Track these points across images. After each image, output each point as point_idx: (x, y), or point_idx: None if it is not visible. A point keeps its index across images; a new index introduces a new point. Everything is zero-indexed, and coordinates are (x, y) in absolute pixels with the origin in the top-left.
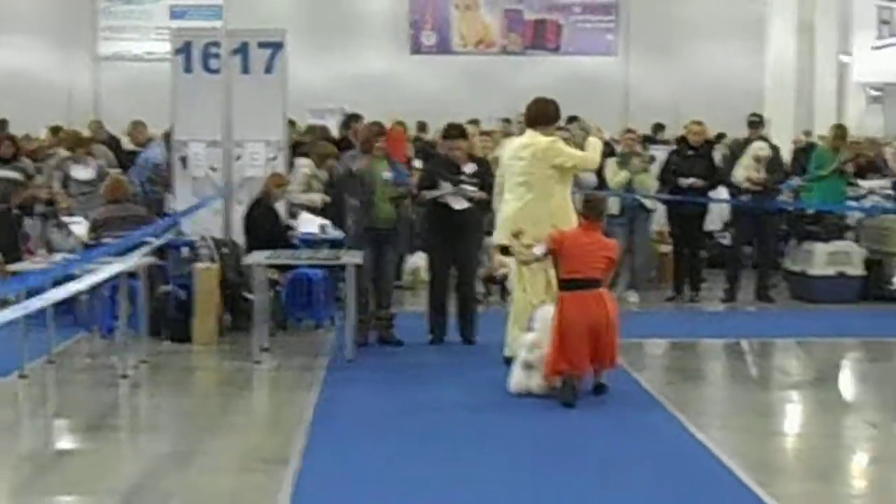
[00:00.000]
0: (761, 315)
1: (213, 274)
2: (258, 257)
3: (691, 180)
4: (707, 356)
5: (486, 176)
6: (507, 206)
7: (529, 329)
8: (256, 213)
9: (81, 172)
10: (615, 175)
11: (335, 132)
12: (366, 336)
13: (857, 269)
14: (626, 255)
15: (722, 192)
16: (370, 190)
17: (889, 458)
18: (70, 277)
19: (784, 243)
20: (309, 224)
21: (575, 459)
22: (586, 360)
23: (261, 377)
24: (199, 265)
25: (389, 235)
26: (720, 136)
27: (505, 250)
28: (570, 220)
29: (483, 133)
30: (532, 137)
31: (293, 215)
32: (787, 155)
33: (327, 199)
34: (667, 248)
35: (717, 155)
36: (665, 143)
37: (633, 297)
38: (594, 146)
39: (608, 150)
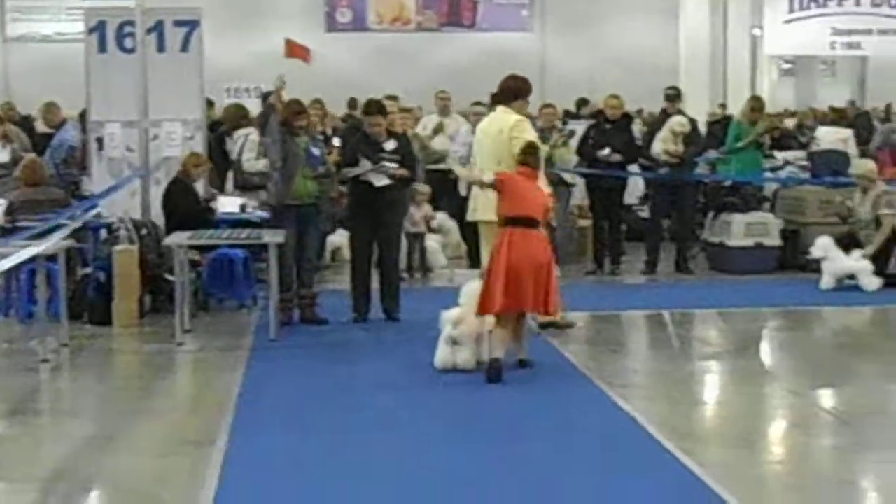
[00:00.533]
0: (681, 286)
1: (133, 256)
2: (178, 238)
3: (607, 150)
4: (629, 328)
5: (406, 152)
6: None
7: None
8: (175, 193)
9: None
10: None
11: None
12: (289, 315)
13: (774, 240)
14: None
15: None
16: (292, 167)
17: (808, 424)
18: None
19: (702, 215)
20: (229, 203)
21: (502, 433)
22: (530, 297)
23: (183, 359)
24: (118, 247)
25: (311, 213)
26: (640, 112)
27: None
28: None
29: (403, 110)
30: (502, 114)
31: (245, 187)
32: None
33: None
34: (586, 223)
35: (635, 128)
36: (588, 118)
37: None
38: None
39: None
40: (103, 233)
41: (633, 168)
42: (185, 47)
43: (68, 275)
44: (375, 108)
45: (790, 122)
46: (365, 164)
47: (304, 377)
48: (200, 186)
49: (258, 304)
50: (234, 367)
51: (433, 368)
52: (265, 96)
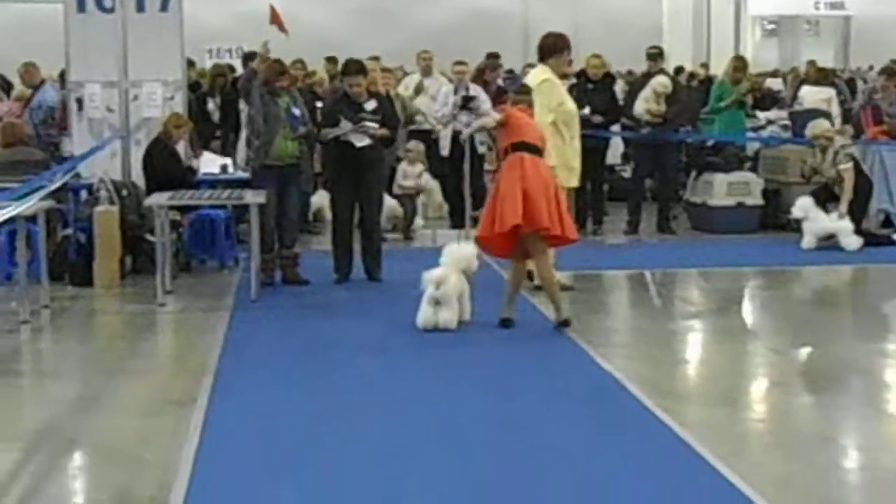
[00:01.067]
0: (663, 246)
1: (114, 217)
2: (159, 199)
3: (587, 110)
4: (611, 288)
5: (387, 112)
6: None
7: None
8: (155, 154)
9: None
10: None
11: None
12: (271, 276)
13: (755, 199)
14: None
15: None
16: (272, 128)
17: (789, 382)
18: None
19: (685, 175)
20: (210, 164)
21: (483, 392)
22: (545, 216)
23: (165, 320)
24: (99, 208)
25: (292, 173)
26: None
27: None
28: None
29: (384, 70)
30: (537, 71)
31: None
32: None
33: None
34: None
35: (617, 89)
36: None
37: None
38: None
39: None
40: (84, 194)
41: (615, 128)
42: (164, 7)
43: (49, 236)
44: (355, 67)
45: (773, 82)
46: (345, 125)
47: (285, 337)
48: (181, 147)
49: (240, 265)
50: (216, 327)
51: (416, 328)
52: (247, 57)
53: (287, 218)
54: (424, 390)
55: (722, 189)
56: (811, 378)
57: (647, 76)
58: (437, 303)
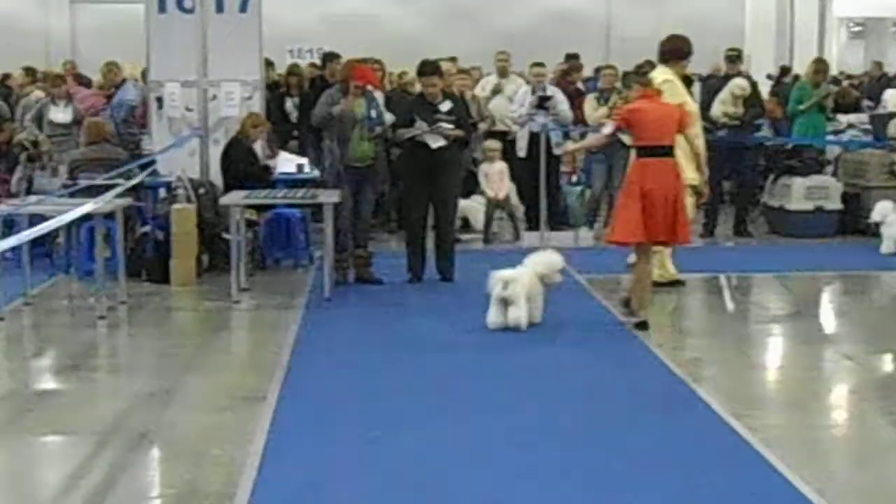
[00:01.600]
0: (740, 249)
1: (191, 214)
2: (235, 197)
3: None
4: (686, 291)
5: (461, 113)
6: None
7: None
8: (233, 153)
9: (59, 115)
10: (594, 111)
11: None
12: (344, 275)
13: (834, 204)
14: (605, 192)
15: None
16: (348, 128)
17: (864, 390)
18: (45, 219)
19: (763, 178)
20: (286, 163)
21: (557, 393)
22: (661, 229)
23: (239, 317)
24: (177, 206)
25: (367, 174)
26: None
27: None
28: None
29: (461, 71)
30: (657, 73)
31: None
32: (766, 91)
33: None
34: None
35: (695, 91)
36: None
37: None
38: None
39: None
40: (162, 192)
41: None
42: (244, 7)
43: (127, 233)
44: (430, 68)
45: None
46: (421, 126)
47: (356, 336)
48: (259, 147)
49: (314, 264)
50: (289, 324)
51: (486, 329)
52: (326, 57)
53: (361, 218)
54: (494, 391)
55: (800, 193)
56: (888, 386)
57: (726, 78)
58: (504, 302)
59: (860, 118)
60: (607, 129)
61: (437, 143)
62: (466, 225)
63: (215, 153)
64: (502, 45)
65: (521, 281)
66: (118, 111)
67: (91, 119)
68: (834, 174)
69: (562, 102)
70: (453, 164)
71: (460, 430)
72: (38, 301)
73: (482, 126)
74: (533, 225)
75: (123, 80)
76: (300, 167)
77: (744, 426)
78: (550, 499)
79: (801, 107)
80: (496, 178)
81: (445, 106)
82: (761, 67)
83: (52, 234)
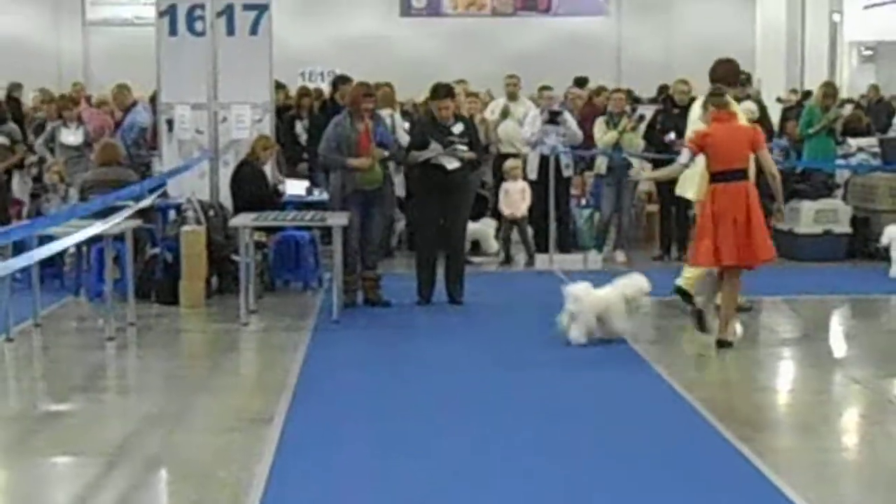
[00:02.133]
0: (748, 273)
1: (200, 237)
2: (244, 219)
3: (672, 135)
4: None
5: (473, 135)
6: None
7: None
8: (243, 175)
9: (70, 137)
10: (604, 134)
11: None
12: (353, 297)
13: (843, 227)
14: (614, 215)
15: None
16: (356, 152)
17: (873, 414)
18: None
19: (771, 201)
20: (296, 186)
21: (563, 415)
22: (733, 253)
23: (248, 339)
24: (186, 228)
25: (376, 197)
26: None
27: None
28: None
29: (469, 94)
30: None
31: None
32: (776, 114)
33: None
34: (653, 208)
35: None
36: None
37: (620, 256)
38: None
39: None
40: (171, 213)
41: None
42: (254, 30)
43: (137, 255)
44: (444, 91)
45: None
46: (436, 148)
47: (364, 357)
48: (268, 169)
49: (323, 286)
50: (297, 346)
51: (494, 349)
52: (337, 80)
53: (369, 240)
54: (500, 415)
55: (809, 216)
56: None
57: (735, 101)
58: (573, 317)
59: (870, 142)
60: (684, 157)
61: (452, 164)
62: (476, 247)
63: (225, 175)
64: (512, 67)
65: (587, 299)
66: (129, 133)
67: (104, 140)
68: (843, 198)
69: (571, 120)
70: (466, 186)
71: (468, 452)
72: (48, 322)
73: (492, 150)
74: (542, 247)
75: (134, 102)
76: (309, 189)
77: (751, 450)
78: None
79: (811, 130)
80: (518, 196)
81: (458, 128)
82: (772, 91)
83: (61, 255)
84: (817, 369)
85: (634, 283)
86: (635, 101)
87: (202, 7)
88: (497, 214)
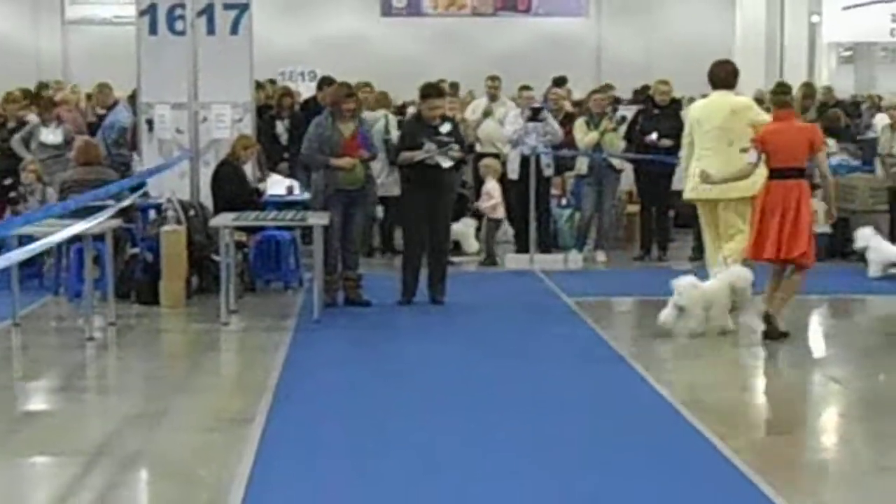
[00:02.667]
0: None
1: (180, 236)
2: (225, 219)
3: (654, 135)
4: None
5: (459, 135)
6: (707, 161)
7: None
8: (223, 175)
9: (50, 136)
10: (584, 135)
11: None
12: (333, 297)
13: (822, 227)
14: (595, 215)
15: None
16: (338, 153)
17: (851, 413)
18: (34, 240)
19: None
20: (276, 185)
21: (545, 415)
22: (774, 247)
23: (228, 338)
24: (166, 228)
25: (359, 197)
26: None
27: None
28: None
29: (449, 94)
30: (724, 97)
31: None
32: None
33: None
34: (634, 208)
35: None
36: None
37: (600, 256)
38: None
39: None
40: (152, 213)
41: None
42: (234, 30)
43: (117, 254)
44: (434, 91)
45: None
46: (431, 147)
47: (345, 357)
48: (249, 169)
49: (304, 286)
50: (278, 346)
51: (474, 346)
52: (322, 82)
53: (350, 240)
54: (482, 415)
55: None
56: (873, 409)
57: None
58: (680, 309)
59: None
60: (752, 157)
61: (447, 163)
62: (457, 247)
63: (206, 175)
64: (493, 67)
65: (695, 293)
66: (109, 133)
67: (83, 139)
68: (822, 198)
69: (552, 119)
70: (452, 185)
71: (449, 450)
72: (27, 322)
73: (477, 147)
74: (523, 247)
75: (115, 102)
76: (290, 189)
77: (729, 448)
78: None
79: None
80: (496, 195)
81: (445, 128)
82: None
83: (41, 255)
84: (797, 368)
85: (741, 275)
86: (616, 101)
87: (182, 6)
88: (477, 214)
